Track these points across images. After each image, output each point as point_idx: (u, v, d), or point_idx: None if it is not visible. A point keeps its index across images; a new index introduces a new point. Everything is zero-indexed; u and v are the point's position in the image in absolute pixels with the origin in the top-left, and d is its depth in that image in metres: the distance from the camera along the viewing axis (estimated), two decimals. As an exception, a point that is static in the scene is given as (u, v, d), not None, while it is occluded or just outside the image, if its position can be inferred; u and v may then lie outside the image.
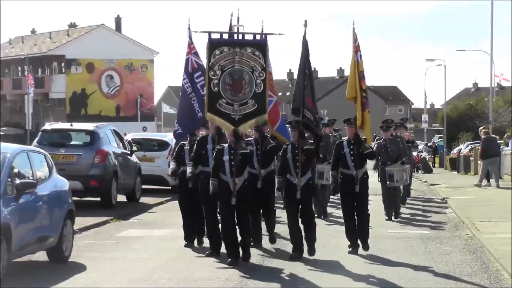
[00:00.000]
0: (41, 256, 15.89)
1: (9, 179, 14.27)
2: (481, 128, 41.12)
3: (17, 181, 14.43)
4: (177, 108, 19.44)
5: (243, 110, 16.05)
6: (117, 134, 27.35)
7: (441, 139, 70.90)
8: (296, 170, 16.11)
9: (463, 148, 58.29)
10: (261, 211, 17.73)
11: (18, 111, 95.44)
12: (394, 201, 22.87)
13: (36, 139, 26.54)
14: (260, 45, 16.32)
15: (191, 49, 18.44)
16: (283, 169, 16.36)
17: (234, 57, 16.11)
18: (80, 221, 18.28)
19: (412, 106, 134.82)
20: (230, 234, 15.63)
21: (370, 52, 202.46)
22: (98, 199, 25.09)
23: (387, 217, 22.71)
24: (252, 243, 16.79)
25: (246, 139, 17.48)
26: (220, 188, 15.49)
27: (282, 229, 18.95)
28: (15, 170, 14.69)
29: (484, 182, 35.63)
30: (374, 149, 21.24)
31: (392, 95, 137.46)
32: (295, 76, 18.44)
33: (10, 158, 14.72)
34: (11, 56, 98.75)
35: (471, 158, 51.26)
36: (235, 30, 16.89)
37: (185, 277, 14.44)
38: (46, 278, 14.36)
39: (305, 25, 16.83)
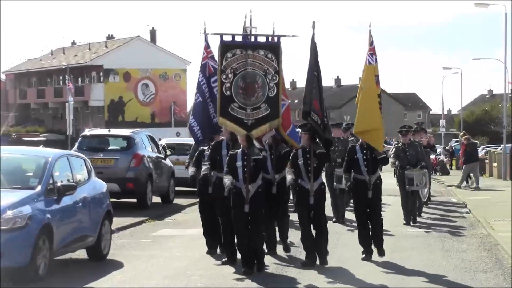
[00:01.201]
0: (81, 254, 15.94)
1: (51, 182, 14.34)
2: (461, 134, 41.48)
3: (58, 183, 14.50)
4: (192, 112, 17.37)
5: (256, 115, 14.96)
6: (152, 139, 27.39)
7: (458, 143, 70.69)
8: (309, 175, 14.93)
9: (479, 151, 58.27)
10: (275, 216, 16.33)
11: (60, 118, 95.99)
12: (412, 207, 21.59)
13: (76, 144, 26.63)
14: (273, 48, 15.25)
15: (208, 53, 17.15)
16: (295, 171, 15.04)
17: (247, 59, 15.02)
18: (118, 221, 18.33)
19: (430, 112, 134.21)
20: (243, 243, 14.33)
21: (390, 60, 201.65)
22: (134, 200, 25.14)
23: (405, 222, 21.37)
24: (266, 251, 15.64)
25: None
26: (233, 195, 14.30)
27: (295, 235, 17.33)
28: (56, 174, 14.76)
29: (464, 183, 36.06)
30: (392, 152, 21.35)
31: (411, 101, 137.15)
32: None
33: (51, 162, 14.80)
34: (53, 67, 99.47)
35: (486, 161, 51.07)
36: (248, 32, 15.74)
37: (216, 274, 14.43)
38: (86, 275, 14.41)
39: (313, 27, 15.41)
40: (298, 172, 14.92)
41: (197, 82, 16.95)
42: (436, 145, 37.33)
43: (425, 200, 24.34)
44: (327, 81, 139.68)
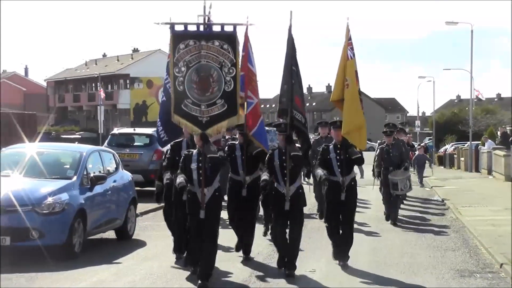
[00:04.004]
0: (110, 234, 15.94)
1: (85, 173, 14.37)
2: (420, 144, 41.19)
3: (91, 174, 14.53)
4: (159, 113, 13.62)
5: (211, 112, 11.68)
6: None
7: (431, 141, 70.84)
8: (284, 178, 11.82)
9: (448, 147, 58.91)
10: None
11: (92, 119, 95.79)
12: (395, 206, 18.78)
13: (106, 141, 26.67)
14: (229, 38, 11.80)
15: None
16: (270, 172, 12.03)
17: (200, 51, 11.71)
18: (141, 207, 18.30)
19: (408, 114, 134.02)
20: (196, 252, 11.22)
21: (374, 70, 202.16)
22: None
23: (386, 219, 18.96)
24: (245, 256, 13.17)
25: (231, 142, 13.87)
26: (187, 200, 11.23)
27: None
28: (90, 166, 14.79)
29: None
30: (376, 154, 19.45)
31: (391, 105, 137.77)
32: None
33: (85, 156, 14.83)
34: (87, 75, 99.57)
35: (455, 156, 51.14)
36: (201, 21, 11.98)
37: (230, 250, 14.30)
38: (114, 252, 14.39)
39: (291, 18, 12.23)
40: (274, 175, 11.98)
41: (164, 81, 13.46)
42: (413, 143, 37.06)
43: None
44: (320, 87, 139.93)
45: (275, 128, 13.67)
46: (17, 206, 12.76)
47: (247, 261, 13.05)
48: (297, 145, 12.39)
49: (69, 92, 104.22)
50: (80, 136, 57.10)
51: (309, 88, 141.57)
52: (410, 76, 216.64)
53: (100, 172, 15.09)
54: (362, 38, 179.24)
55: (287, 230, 12.04)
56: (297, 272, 12.03)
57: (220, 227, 11.73)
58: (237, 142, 13.50)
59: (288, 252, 11.96)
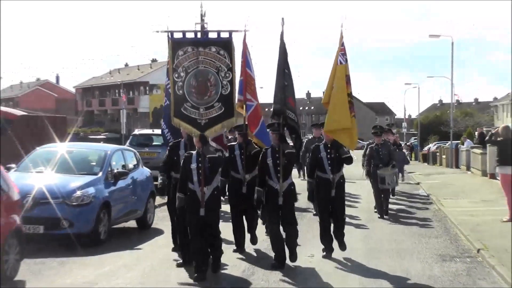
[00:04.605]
0: (132, 224, 15.95)
1: (109, 169, 14.39)
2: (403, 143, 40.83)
3: (115, 170, 14.56)
4: (163, 116, 13.35)
5: (209, 114, 11.23)
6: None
7: (416, 140, 70.98)
8: (278, 175, 11.24)
9: (432, 146, 58.95)
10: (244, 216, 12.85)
11: (116, 121, 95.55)
12: (385, 200, 18.45)
13: (128, 141, 26.77)
14: (225, 44, 11.28)
15: None
16: (262, 175, 11.38)
17: (198, 57, 11.24)
18: (159, 199, 18.28)
19: (395, 116, 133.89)
20: (197, 248, 10.47)
21: (366, 77, 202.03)
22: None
23: (379, 215, 18.17)
24: (236, 248, 12.67)
25: (229, 143, 13.21)
26: (187, 198, 10.58)
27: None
28: (113, 163, 14.81)
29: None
30: (367, 153, 19.16)
31: (381, 108, 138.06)
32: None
33: (110, 155, 14.85)
34: (111, 82, 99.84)
35: (437, 154, 51.07)
36: (199, 28, 11.45)
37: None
38: (136, 239, 14.41)
39: (282, 24, 11.58)
40: (267, 171, 11.36)
41: (165, 86, 12.95)
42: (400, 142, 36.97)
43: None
44: (317, 92, 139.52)
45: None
46: (50, 198, 12.78)
47: (243, 252, 12.52)
48: (290, 143, 11.86)
49: (95, 98, 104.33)
50: (105, 137, 56.99)
51: (308, 94, 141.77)
52: (397, 82, 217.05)
53: (122, 168, 15.12)
54: (356, 47, 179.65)
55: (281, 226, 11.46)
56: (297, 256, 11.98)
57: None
58: (236, 142, 13.04)
59: (288, 245, 11.40)
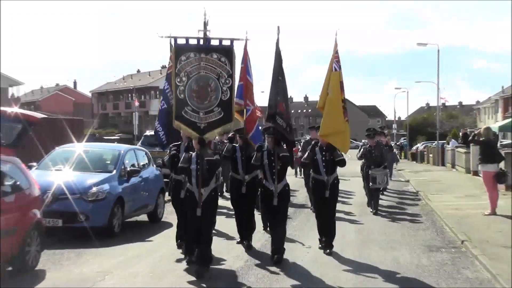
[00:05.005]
0: (143, 217, 15.96)
1: (122, 167, 14.40)
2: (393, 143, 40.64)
3: (128, 168, 14.57)
4: (158, 117, 13.01)
5: (208, 118, 10.72)
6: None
7: (405, 140, 71.03)
8: (273, 177, 11.06)
9: (420, 146, 59.20)
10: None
11: (129, 123, 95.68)
12: (375, 198, 18.18)
13: (140, 141, 26.76)
14: (226, 51, 10.87)
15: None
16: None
17: (200, 63, 10.80)
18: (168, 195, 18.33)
19: (386, 118, 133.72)
20: (192, 246, 10.44)
21: (358, 82, 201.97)
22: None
23: (371, 210, 18.03)
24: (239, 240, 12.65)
25: (232, 144, 13.00)
26: (187, 198, 10.36)
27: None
28: (126, 162, 14.82)
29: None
30: (360, 153, 18.85)
31: (373, 111, 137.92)
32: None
33: (123, 154, 14.86)
34: (124, 87, 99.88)
35: (425, 153, 51.10)
36: (201, 35, 10.97)
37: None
38: (147, 231, 14.41)
39: (278, 32, 11.43)
40: (264, 173, 11.28)
41: (163, 89, 12.72)
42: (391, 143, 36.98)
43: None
44: (314, 96, 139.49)
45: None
46: (68, 194, 12.80)
47: (248, 249, 12.18)
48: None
49: (110, 102, 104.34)
50: (118, 137, 57.06)
51: (306, 97, 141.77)
52: (388, 87, 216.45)
53: (135, 166, 15.13)
54: (350, 54, 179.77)
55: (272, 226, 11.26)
56: (296, 248, 12.04)
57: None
58: (237, 145, 12.82)
59: (275, 243, 11.11)
